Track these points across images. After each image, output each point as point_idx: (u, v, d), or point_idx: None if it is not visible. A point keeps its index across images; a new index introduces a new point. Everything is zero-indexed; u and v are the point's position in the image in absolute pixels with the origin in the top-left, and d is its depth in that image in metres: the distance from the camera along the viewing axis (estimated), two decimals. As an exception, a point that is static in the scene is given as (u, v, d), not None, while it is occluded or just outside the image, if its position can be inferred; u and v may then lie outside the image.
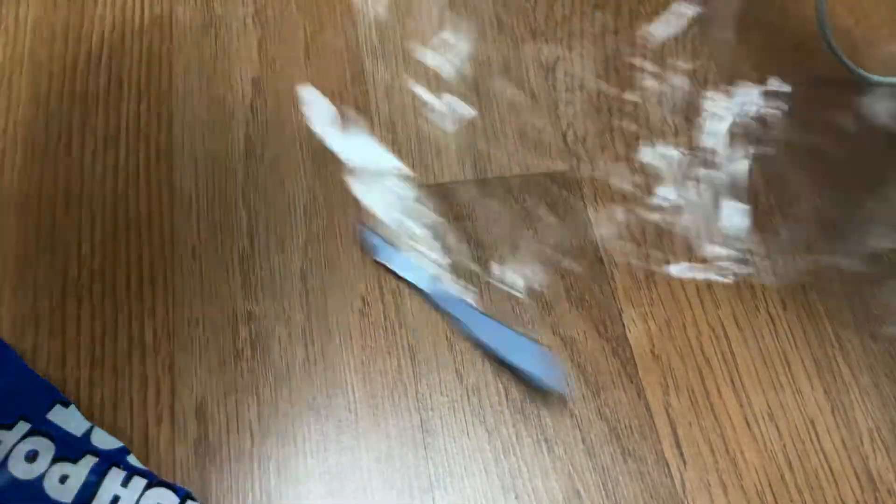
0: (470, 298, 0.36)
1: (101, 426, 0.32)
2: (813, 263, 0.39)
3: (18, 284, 0.35)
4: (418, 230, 0.38)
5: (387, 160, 0.40)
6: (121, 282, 0.36)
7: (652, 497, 0.33)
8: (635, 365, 0.36)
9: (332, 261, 0.37)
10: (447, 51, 0.43)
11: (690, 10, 0.46)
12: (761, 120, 0.43)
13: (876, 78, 0.43)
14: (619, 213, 0.39)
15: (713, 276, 0.38)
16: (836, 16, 0.46)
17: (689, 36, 0.45)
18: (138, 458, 0.32)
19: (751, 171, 0.41)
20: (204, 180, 0.39)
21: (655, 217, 0.39)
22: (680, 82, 0.44)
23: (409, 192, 0.39)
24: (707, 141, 0.42)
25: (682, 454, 0.34)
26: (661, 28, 0.45)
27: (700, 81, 0.44)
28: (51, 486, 0.30)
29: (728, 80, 0.44)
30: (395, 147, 0.40)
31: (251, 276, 0.37)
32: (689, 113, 0.43)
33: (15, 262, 0.36)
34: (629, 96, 0.43)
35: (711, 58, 0.45)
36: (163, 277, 0.36)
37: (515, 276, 0.37)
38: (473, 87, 0.43)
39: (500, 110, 0.42)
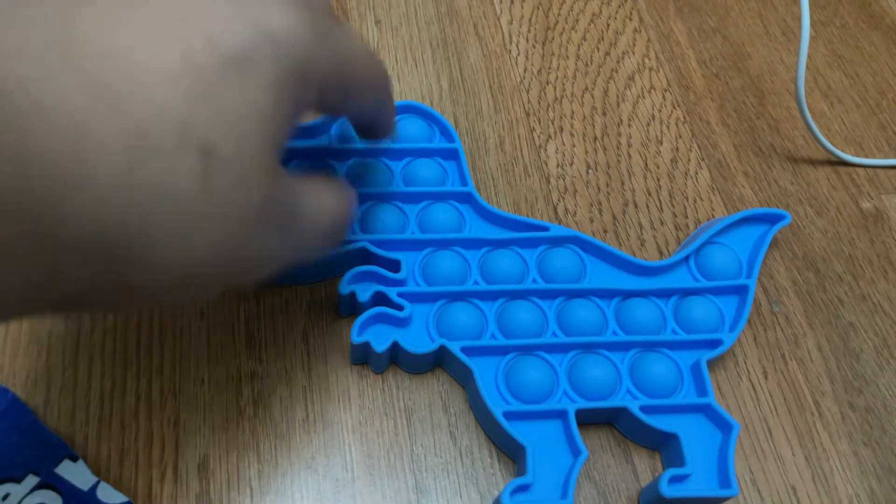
0: None
1: (108, 481, 0.33)
2: (793, 335, 0.41)
3: (32, 341, 0.37)
4: None
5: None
6: (131, 340, 0.37)
7: (638, 561, 0.34)
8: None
9: (332, 323, 0.39)
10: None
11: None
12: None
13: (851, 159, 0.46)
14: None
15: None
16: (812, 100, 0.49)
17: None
18: (141, 512, 0.33)
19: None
20: (214, 244, 0.41)
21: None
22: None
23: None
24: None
25: (667, 518, 0.35)
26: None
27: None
28: (56, 539, 0.31)
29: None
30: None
31: (256, 336, 0.38)
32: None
33: (30, 320, 0.38)
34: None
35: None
36: (171, 336, 0.38)
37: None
38: (471, 161, 0.45)
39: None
